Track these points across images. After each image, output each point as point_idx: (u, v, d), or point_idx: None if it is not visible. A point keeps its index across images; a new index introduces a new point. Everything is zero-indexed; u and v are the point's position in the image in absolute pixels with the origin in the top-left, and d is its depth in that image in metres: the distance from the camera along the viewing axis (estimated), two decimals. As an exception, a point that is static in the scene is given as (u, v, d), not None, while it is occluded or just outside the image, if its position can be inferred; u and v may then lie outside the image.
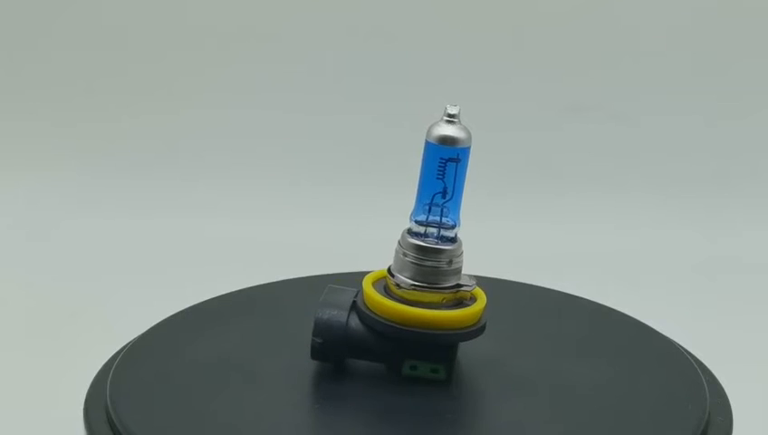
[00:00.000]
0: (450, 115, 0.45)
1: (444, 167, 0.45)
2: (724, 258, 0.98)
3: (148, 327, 0.52)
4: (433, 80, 1.06)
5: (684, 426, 0.44)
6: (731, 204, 1.04)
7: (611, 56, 1.06)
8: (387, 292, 0.46)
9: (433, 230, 0.46)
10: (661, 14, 1.06)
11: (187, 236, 0.99)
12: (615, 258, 0.97)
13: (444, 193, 0.46)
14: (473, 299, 0.47)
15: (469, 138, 0.45)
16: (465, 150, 0.45)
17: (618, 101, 1.06)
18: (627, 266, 0.96)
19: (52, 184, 1.05)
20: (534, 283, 0.60)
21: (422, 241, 0.46)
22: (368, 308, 0.46)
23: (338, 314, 0.47)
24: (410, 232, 0.46)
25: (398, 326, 0.45)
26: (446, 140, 0.45)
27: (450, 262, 0.46)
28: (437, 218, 0.46)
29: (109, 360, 0.50)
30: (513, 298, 0.57)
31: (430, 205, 0.46)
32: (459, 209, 0.46)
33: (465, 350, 0.48)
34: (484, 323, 0.46)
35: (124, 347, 0.51)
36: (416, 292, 0.46)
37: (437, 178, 0.45)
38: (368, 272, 0.48)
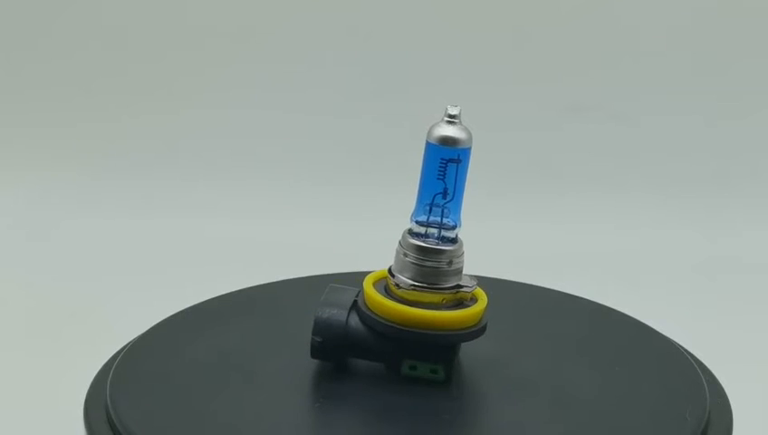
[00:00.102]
0: (451, 116, 0.45)
1: (444, 167, 0.45)
2: (724, 258, 0.98)
3: (149, 327, 0.52)
4: (433, 80, 1.06)
5: (684, 426, 0.44)
6: (731, 204, 1.04)
7: (611, 56, 1.06)
8: (387, 292, 0.46)
9: (434, 231, 0.46)
10: (661, 14, 1.06)
11: (187, 236, 0.99)
12: (615, 258, 0.97)
13: (444, 194, 0.46)
14: (473, 300, 0.47)
15: (470, 138, 0.45)
16: (466, 151, 0.45)
17: (618, 101, 1.06)
18: (627, 266, 0.96)
19: (52, 184, 1.05)
20: (534, 283, 0.60)
21: (423, 241, 0.46)
22: (367, 308, 0.46)
23: (338, 313, 0.47)
24: (411, 232, 0.46)
25: (397, 326, 0.45)
26: (447, 141, 0.45)
27: (450, 262, 0.46)
28: (438, 219, 0.46)
29: (109, 360, 0.50)
30: (514, 298, 0.57)
31: (431, 205, 0.46)
32: (460, 210, 0.46)
33: (465, 350, 0.48)
34: (485, 325, 0.46)
35: (124, 347, 0.51)
36: (415, 292, 0.46)
37: (438, 179, 0.45)
38: (368, 272, 0.48)
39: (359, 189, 1.04)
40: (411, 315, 0.45)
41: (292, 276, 0.59)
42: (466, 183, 0.46)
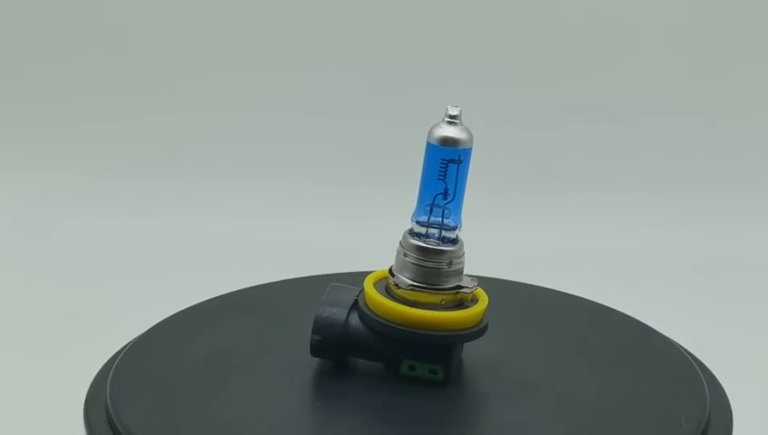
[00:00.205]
0: (451, 116, 0.45)
1: (445, 168, 0.45)
2: (724, 258, 0.98)
3: (149, 327, 0.52)
4: (433, 80, 1.06)
5: (684, 426, 0.44)
6: (731, 204, 1.04)
7: (611, 56, 1.06)
8: (388, 292, 0.46)
9: (434, 231, 0.46)
10: (661, 14, 1.06)
11: (187, 236, 0.99)
12: (615, 258, 0.97)
13: (445, 194, 0.46)
14: (474, 301, 0.47)
15: (470, 139, 0.45)
16: (467, 152, 0.45)
17: (618, 101, 1.06)
18: (627, 266, 0.96)
19: (52, 184, 1.05)
20: (534, 283, 0.60)
21: (423, 242, 0.46)
22: (367, 307, 0.46)
23: (338, 312, 0.47)
24: (411, 233, 0.46)
25: (395, 326, 0.45)
26: (448, 142, 0.45)
27: (450, 263, 0.46)
28: (439, 219, 0.46)
29: (109, 360, 0.50)
30: (514, 298, 0.57)
31: (431, 206, 0.46)
32: (461, 210, 0.46)
33: (466, 350, 0.48)
34: (485, 326, 0.46)
35: (124, 347, 0.51)
36: (414, 292, 0.46)
37: (439, 179, 0.45)
38: (368, 272, 0.48)
39: (359, 189, 1.04)
40: (410, 315, 0.45)
41: (292, 276, 0.59)
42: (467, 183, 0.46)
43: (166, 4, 1.07)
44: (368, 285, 0.47)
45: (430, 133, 0.45)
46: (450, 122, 0.45)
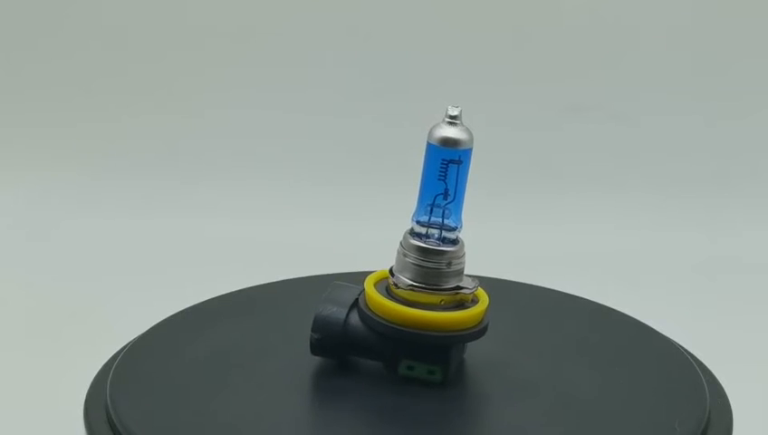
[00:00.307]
0: (451, 117, 0.45)
1: (445, 168, 0.45)
2: (724, 258, 0.98)
3: (149, 327, 0.52)
4: (433, 80, 1.06)
5: (684, 426, 0.44)
6: (731, 204, 1.04)
7: (611, 56, 1.06)
8: (388, 292, 0.46)
9: (434, 231, 0.46)
10: (661, 14, 1.06)
11: (187, 236, 0.99)
12: (615, 258, 0.97)
13: (445, 194, 0.45)
14: (475, 301, 0.46)
15: (471, 139, 0.45)
16: (467, 152, 0.45)
17: (618, 101, 1.06)
18: (627, 266, 0.96)
19: (52, 184, 1.05)
20: (534, 283, 0.60)
21: (423, 242, 0.46)
22: (366, 307, 0.46)
23: (337, 311, 0.47)
24: (412, 233, 0.46)
25: (393, 326, 0.45)
26: (448, 142, 0.45)
27: (449, 264, 0.46)
28: (439, 220, 0.46)
29: (109, 360, 0.50)
30: (514, 298, 0.57)
31: (432, 206, 0.46)
32: (461, 211, 0.46)
33: (466, 350, 0.48)
34: (484, 327, 0.46)
35: (124, 347, 0.51)
36: (413, 292, 0.46)
37: (439, 180, 0.45)
38: (368, 272, 0.48)
39: (359, 189, 1.04)
40: (408, 315, 0.45)
41: (292, 276, 0.59)
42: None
43: (166, 4, 1.07)
44: (368, 284, 0.47)
45: (430, 134, 0.45)
46: (450, 123, 0.45)
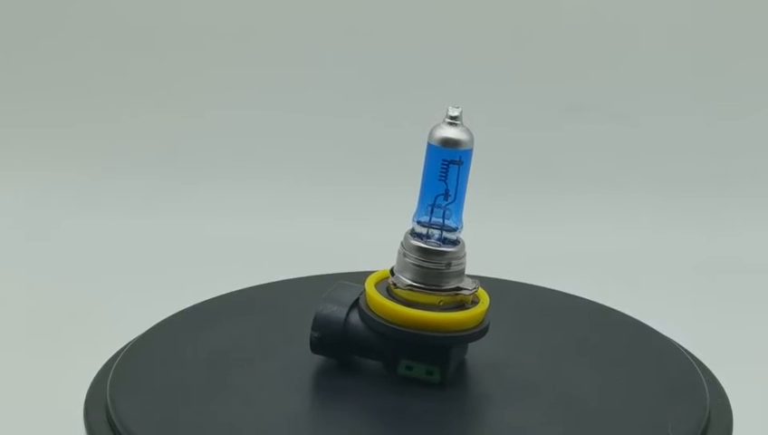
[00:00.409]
0: (452, 117, 0.45)
1: (446, 169, 0.45)
2: (724, 258, 0.98)
3: (149, 327, 0.52)
4: (433, 80, 1.06)
5: (684, 426, 0.44)
6: (731, 204, 1.04)
7: (611, 56, 1.06)
8: (388, 292, 0.46)
9: (435, 232, 0.46)
10: (661, 14, 1.06)
11: (187, 236, 0.99)
12: (615, 258, 0.97)
13: (446, 195, 0.45)
14: (475, 302, 0.46)
15: (471, 140, 0.45)
16: (468, 153, 0.45)
17: (618, 101, 1.06)
18: (627, 266, 0.96)
19: (52, 184, 1.05)
20: (535, 283, 0.60)
21: (424, 242, 0.46)
22: (366, 306, 0.46)
23: (338, 310, 0.47)
24: (413, 233, 0.46)
25: (393, 326, 0.45)
26: (449, 143, 0.45)
27: (449, 264, 0.46)
28: (440, 220, 0.46)
29: (109, 360, 0.50)
30: (514, 298, 0.57)
31: (432, 206, 0.46)
32: (462, 211, 0.46)
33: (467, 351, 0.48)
34: (484, 328, 0.46)
35: (124, 347, 0.51)
36: (413, 292, 0.46)
37: (440, 180, 0.45)
38: (368, 272, 0.48)
39: (359, 189, 1.04)
40: (407, 316, 0.45)
41: (292, 276, 0.59)
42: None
43: (166, 5, 1.07)
44: (368, 284, 0.47)
45: (431, 134, 0.45)
46: (451, 123, 0.45)
